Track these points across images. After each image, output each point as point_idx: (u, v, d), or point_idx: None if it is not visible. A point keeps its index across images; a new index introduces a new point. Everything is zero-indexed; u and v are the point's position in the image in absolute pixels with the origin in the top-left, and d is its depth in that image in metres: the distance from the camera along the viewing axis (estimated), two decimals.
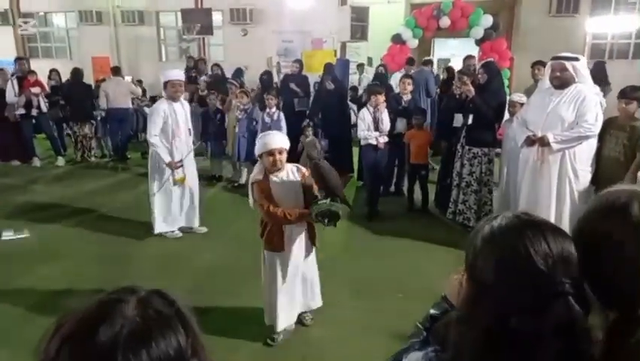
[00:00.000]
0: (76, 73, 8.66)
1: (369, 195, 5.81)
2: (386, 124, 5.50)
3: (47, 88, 8.21)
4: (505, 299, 0.84)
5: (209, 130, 7.49)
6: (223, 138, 7.41)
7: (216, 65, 9.86)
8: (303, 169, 3.18)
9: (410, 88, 6.21)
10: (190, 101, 9.41)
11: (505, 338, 0.82)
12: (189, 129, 5.08)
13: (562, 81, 4.01)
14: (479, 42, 9.78)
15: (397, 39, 9.93)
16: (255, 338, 3.24)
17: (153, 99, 11.26)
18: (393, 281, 4.11)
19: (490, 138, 5.06)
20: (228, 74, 9.56)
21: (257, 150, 3.08)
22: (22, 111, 7.71)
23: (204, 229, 5.27)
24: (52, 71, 9.24)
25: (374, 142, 5.48)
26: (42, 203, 6.10)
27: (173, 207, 5.10)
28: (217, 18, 13.44)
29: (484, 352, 0.84)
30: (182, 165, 4.94)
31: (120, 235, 5.09)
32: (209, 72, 9.95)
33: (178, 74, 5.07)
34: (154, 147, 4.84)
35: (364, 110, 5.57)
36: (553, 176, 4.12)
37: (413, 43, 9.98)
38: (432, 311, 1.14)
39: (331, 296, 3.85)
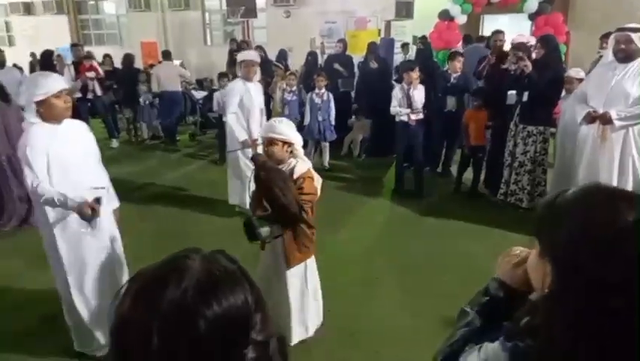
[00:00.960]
0: (127, 58, 8.95)
1: (398, 171, 5.83)
2: (418, 101, 5.40)
3: (101, 72, 8.51)
4: (601, 277, 0.76)
5: None
6: (268, 119, 7.46)
7: (259, 47, 9.89)
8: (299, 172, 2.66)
9: (459, 65, 6.02)
10: None
11: (603, 319, 0.75)
12: (261, 109, 5.11)
13: (627, 54, 3.78)
14: (533, 17, 9.30)
15: (445, 15, 9.58)
16: None
17: (200, 83, 11.50)
18: (441, 262, 4.05)
19: (546, 116, 4.83)
20: (272, 57, 9.58)
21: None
22: (78, 95, 8.03)
23: None
24: (105, 56, 9.56)
25: (405, 118, 5.47)
26: None
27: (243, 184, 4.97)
28: (261, 0, 13.45)
29: (579, 337, 0.76)
30: (259, 144, 4.97)
31: (174, 212, 5.26)
32: None
33: (253, 54, 5.14)
34: (230, 126, 4.90)
35: (397, 87, 5.58)
36: (615, 155, 3.91)
37: (462, 19, 9.61)
38: (484, 296, 1.08)
39: (378, 276, 3.86)
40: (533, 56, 4.97)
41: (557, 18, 9.14)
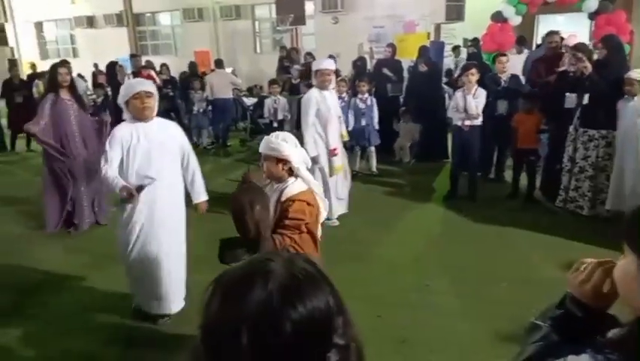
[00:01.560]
0: (192, 66, 9.41)
1: (453, 176, 5.72)
2: (470, 107, 5.28)
3: (158, 81, 8.91)
4: None
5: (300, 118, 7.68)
6: None
7: (309, 53, 10.01)
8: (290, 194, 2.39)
9: (507, 66, 5.88)
10: (282, 90, 9.72)
11: None
12: (339, 117, 5.04)
13: None
14: (593, 16, 8.88)
15: (498, 17, 9.32)
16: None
17: (250, 90, 11.77)
18: (496, 269, 3.92)
19: (609, 119, 4.58)
20: None
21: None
22: None
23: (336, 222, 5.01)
24: (162, 65, 10.00)
25: (459, 123, 5.44)
26: None
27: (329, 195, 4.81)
28: (309, 7, 13.62)
29: None
30: (337, 154, 4.85)
31: (225, 215, 5.39)
32: (303, 61, 10.13)
33: (328, 63, 5.01)
34: (306, 138, 4.69)
35: (459, 91, 5.51)
36: None
37: (516, 20, 9.31)
38: (559, 309, 1.02)
39: (431, 281, 3.79)
40: (595, 56, 4.76)
41: (620, 17, 8.68)
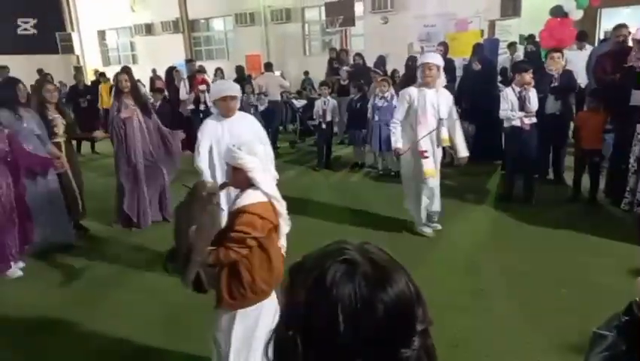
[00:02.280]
0: (240, 70, 9.67)
1: (509, 179, 5.51)
2: (533, 104, 5.07)
3: (211, 84, 9.21)
4: None
5: (350, 118, 7.67)
6: (363, 126, 7.46)
7: (358, 54, 9.99)
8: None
9: (560, 63, 5.61)
10: (331, 91, 9.75)
11: None
12: (440, 119, 4.41)
13: None
14: None
15: (557, 12, 8.89)
16: None
17: (299, 93, 11.90)
18: (554, 275, 3.76)
19: None
20: (370, 63, 9.63)
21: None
22: (191, 107, 8.75)
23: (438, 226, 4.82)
24: (217, 69, 10.35)
25: (518, 123, 5.16)
26: None
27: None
28: (358, 8, 13.60)
29: None
30: (427, 157, 4.45)
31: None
32: (352, 62, 10.13)
33: (432, 57, 4.49)
34: (394, 134, 4.55)
35: (508, 89, 5.27)
36: None
37: (577, 14, 8.86)
38: (625, 316, 0.98)
39: (487, 285, 3.69)
40: None
41: None
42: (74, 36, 18.09)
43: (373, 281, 0.68)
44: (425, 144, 4.43)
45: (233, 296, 2.23)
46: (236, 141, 3.07)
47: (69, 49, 17.71)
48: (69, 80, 12.56)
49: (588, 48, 7.51)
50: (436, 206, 4.69)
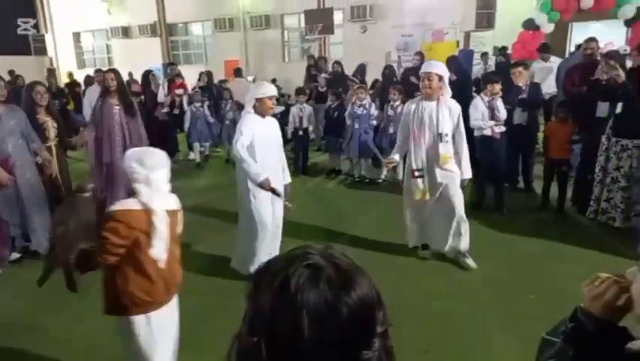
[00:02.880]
0: (209, 76, 9.64)
1: (480, 188, 5.56)
2: (502, 113, 5.20)
3: (189, 90, 9.17)
4: None
5: (328, 126, 7.72)
6: (340, 133, 7.50)
7: (337, 62, 10.07)
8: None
9: (525, 76, 5.75)
10: (309, 98, 9.78)
11: None
12: (436, 135, 3.99)
13: None
14: (629, 23, 8.66)
15: (529, 25, 9.20)
16: None
17: (277, 100, 11.91)
18: (524, 281, 3.85)
19: None
20: (349, 71, 9.71)
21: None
22: (167, 110, 8.68)
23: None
24: (201, 73, 10.37)
25: (489, 132, 5.25)
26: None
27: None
28: (337, 17, 13.73)
29: None
30: (420, 176, 4.08)
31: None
32: (330, 70, 10.19)
33: (434, 65, 4.04)
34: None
35: (477, 99, 5.36)
36: None
37: (548, 28, 9.16)
38: (571, 323, 1.01)
39: (458, 291, 3.74)
40: (628, 64, 4.62)
41: None
42: (48, 37, 17.72)
43: (337, 285, 0.70)
44: (417, 162, 4.06)
45: (112, 304, 2.19)
46: (269, 140, 3.80)
47: (42, 50, 17.32)
48: (42, 82, 12.28)
49: (553, 60, 7.72)
50: (464, 244, 4.15)
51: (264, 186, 3.61)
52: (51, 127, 4.73)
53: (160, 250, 2.14)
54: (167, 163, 2.24)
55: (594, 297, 0.97)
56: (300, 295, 0.69)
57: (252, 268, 3.67)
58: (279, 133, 4.02)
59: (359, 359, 0.69)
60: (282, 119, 9.78)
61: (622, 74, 4.34)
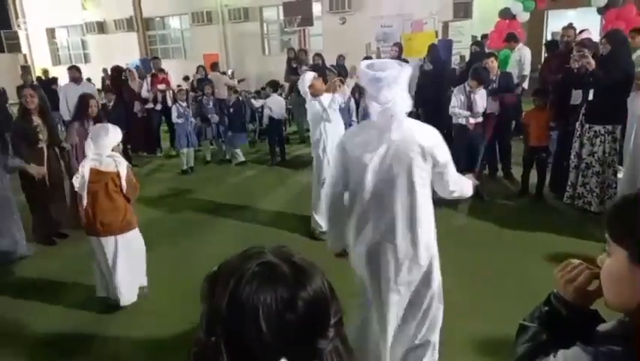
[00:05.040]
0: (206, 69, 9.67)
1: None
2: (480, 106, 5.29)
3: (173, 85, 9.11)
4: None
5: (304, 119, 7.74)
6: None
7: (317, 54, 10.04)
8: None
9: (495, 66, 5.84)
10: (290, 91, 9.76)
11: None
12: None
13: None
14: (602, 10, 8.81)
15: (506, 14, 9.29)
16: None
17: (258, 92, 11.84)
18: (504, 267, 3.92)
19: (614, 114, 4.55)
20: (330, 63, 9.70)
21: None
22: (150, 105, 8.58)
23: None
24: (199, 67, 10.37)
25: (463, 121, 5.36)
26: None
27: None
28: (316, 9, 13.67)
29: None
30: None
31: (239, 210, 5.46)
32: (311, 62, 10.16)
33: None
34: None
35: (460, 87, 5.43)
36: None
37: (524, 17, 9.27)
38: (545, 307, 1.05)
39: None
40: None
41: (630, 11, 8.60)
42: (21, 34, 17.30)
43: (292, 281, 0.72)
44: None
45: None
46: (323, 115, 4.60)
47: (15, 47, 16.92)
48: (17, 79, 12.00)
49: (520, 47, 7.78)
50: None
51: None
52: (43, 130, 4.66)
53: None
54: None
55: (566, 282, 1.01)
56: (255, 292, 0.70)
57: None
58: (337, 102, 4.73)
59: (316, 349, 0.72)
60: (264, 111, 9.80)
61: (592, 62, 4.42)
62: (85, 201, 3.39)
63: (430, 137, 2.21)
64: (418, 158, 2.17)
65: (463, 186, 2.48)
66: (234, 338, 0.71)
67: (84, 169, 3.37)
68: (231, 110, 8.35)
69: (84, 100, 4.93)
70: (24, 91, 4.69)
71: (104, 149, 3.37)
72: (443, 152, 2.24)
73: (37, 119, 4.64)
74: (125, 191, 3.44)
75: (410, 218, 2.29)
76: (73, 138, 4.89)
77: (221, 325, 0.72)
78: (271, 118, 7.85)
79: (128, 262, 3.50)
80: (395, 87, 2.12)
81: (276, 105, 7.79)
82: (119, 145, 3.51)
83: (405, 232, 2.30)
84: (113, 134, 3.40)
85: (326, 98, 4.65)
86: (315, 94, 4.63)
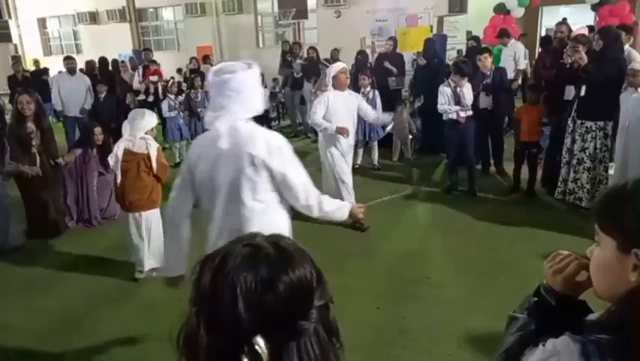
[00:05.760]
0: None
1: (451, 171, 5.74)
2: (468, 98, 5.33)
3: (164, 77, 9.04)
4: None
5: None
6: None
7: (312, 48, 10.00)
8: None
9: (489, 61, 5.89)
10: (284, 84, 9.73)
11: None
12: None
13: None
14: (596, 7, 8.83)
15: (501, 9, 9.30)
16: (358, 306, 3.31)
17: None
18: (497, 262, 3.96)
19: (606, 110, 4.57)
20: (324, 57, 9.67)
21: None
22: (142, 97, 8.51)
23: None
24: (192, 58, 10.38)
25: (454, 116, 5.39)
26: None
27: None
28: (311, 2, 13.59)
29: None
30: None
31: None
32: (305, 56, 10.12)
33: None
34: None
35: (444, 85, 5.49)
36: None
37: (519, 12, 9.28)
38: (534, 297, 1.06)
39: (432, 274, 3.83)
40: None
41: (623, 7, 8.63)
42: (11, 24, 17.06)
43: (274, 263, 0.74)
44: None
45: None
46: (348, 109, 4.73)
47: (6, 37, 16.68)
48: (7, 69, 11.86)
49: (513, 43, 7.83)
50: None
51: (340, 132, 4.56)
52: (37, 135, 4.64)
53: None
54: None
55: (554, 272, 1.02)
56: (236, 271, 0.73)
57: None
58: (356, 104, 4.85)
59: (295, 330, 0.73)
60: None
61: (584, 58, 4.43)
62: (118, 180, 3.75)
63: (265, 146, 2.04)
64: (248, 167, 2.04)
65: (326, 205, 2.21)
66: (213, 313, 0.73)
67: (118, 149, 3.69)
68: None
69: (89, 130, 5.19)
70: (21, 97, 4.58)
71: (138, 131, 3.69)
72: (281, 162, 2.07)
73: (31, 125, 4.63)
74: (155, 171, 3.76)
75: (237, 230, 2.03)
76: (71, 162, 5.01)
77: (202, 301, 0.74)
78: None
79: (151, 237, 3.86)
80: (243, 91, 2.02)
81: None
82: (152, 129, 3.80)
83: None
84: (148, 119, 3.75)
85: (347, 93, 4.77)
86: (338, 87, 4.66)
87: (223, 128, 2.03)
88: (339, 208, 2.29)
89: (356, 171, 6.83)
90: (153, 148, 3.75)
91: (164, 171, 3.85)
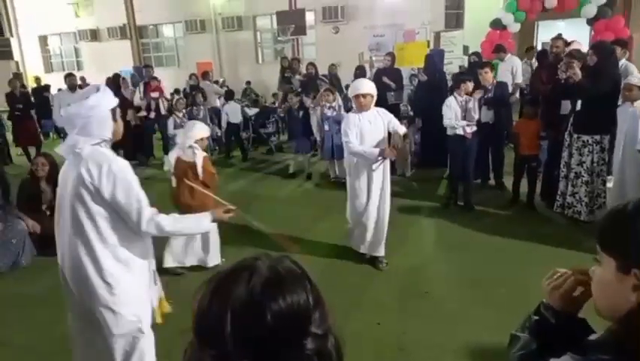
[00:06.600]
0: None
1: (453, 185, 5.75)
2: (476, 114, 5.32)
3: (165, 93, 9.13)
4: None
5: (294, 128, 7.60)
6: (308, 135, 7.52)
7: (311, 64, 10.09)
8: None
9: (490, 76, 5.89)
10: (283, 100, 9.78)
11: None
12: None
13: None
14: (591, 22, 8.95)
15: (497, 24, 9.41)
16: (358, 321, 3.30)
17: (255, 101, 11.86)
18: (497, 276, 3.95)
19: (603, 125, 4.61)
20: (322, 73, 9.76)
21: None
22: (144, 113, 8.56)
23: None
24: (191, 75, 10.57)
25: (461, 132, 5.32)
26: None
27: None
28: (309, 18, 13.75)
29: None
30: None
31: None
32: (304, 72, 10.20)
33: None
34: None
35: (451, 98, 5.40)
36: None
37: (514, 27, 9.39)
38: (535, 316, 1.07)
39: (432, 288, 3.82)
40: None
41: (618, 22, 8.75)
42: (13, 41, 17.24)
43: (266, 290, 0.73)
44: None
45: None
46: (374, 129, 4.16)
47: (7, 55, 16.85)
48: (8, 87, 11.92)
49: (509, 58, 7.92)
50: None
51: (383, 155, 4.06)
52: (49, 194, 4.75)
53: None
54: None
55: (552, 289, 1.04)
56: (228, 294, 0.73)
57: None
58: (381, 125, 4.28)
59: (287, 357, 0.72)
60: (257, 120, 9.81)
61: (578, 73, 4.46)
62: (174, 184, 4.09)
63: (101, 173, 1.99)
64: (86, 195, 1.98)
65: (168, 225, 2.15)
66: (204, 337, 0.73)
67: (172, 158, 4.11)
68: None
69: None
70: (37, 159, 4.90)
71: (189, 140, 4.01)
72: (116, 192, 2.01)
73: (44, 186, 4.80)
74: (201, 177, 3.95)
75: (79, 265, 2.10)
76: None
77: (196, 324, 0.74)
78: (228, 122, 8.91)
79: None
80: (93, 118, 1.99)
81: (232, 111, 8.91)
82: (202, 139, 4.08)
83: (72, 274, 2.15)
84: (199, 129, 4.11)
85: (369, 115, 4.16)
86: (358, 109, 4.12)
87: (69, 155, 2.05)
88: (195, 222, 2.33)
89: None
90: (199, 156, 3.99)
91: (211, 178, 4.06)
